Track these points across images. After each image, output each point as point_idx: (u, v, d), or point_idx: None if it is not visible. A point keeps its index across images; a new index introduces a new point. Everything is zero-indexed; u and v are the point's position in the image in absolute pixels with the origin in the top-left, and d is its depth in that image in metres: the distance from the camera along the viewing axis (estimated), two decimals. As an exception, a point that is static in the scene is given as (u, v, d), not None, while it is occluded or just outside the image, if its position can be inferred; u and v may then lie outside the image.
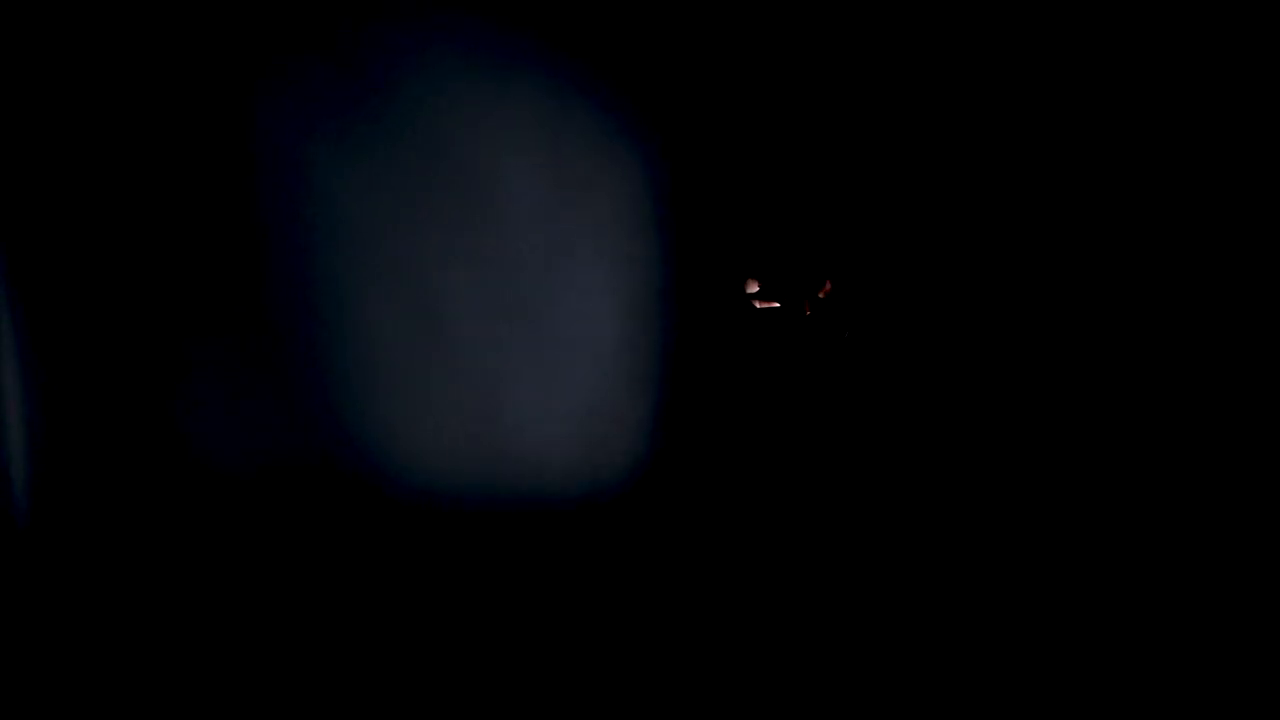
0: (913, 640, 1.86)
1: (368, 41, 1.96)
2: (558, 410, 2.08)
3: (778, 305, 1.67)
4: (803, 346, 1.73)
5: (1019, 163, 1.91)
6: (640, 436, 2.12)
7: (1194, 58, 1.74)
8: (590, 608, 2.02)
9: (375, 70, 1.97)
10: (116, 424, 1.89)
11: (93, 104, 1.88)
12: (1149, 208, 1.80)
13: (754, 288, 1.68)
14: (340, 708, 1.86)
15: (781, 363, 1.80)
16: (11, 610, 1.83)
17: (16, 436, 1.83)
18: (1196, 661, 1.69)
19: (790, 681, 1.85)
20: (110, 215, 1.88)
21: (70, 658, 1.84)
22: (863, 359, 1.72)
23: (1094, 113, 1.85)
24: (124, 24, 1.88)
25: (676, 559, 2.06)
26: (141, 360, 1.89)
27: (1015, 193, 1.91)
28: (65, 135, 1.87)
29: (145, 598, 1.89)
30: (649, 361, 2.13)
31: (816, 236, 2.03)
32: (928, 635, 1.86)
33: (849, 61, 2.04)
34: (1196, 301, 1.76)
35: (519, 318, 2.07)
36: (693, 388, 2.13)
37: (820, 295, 1.63)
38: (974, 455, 1.92)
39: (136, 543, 1.89)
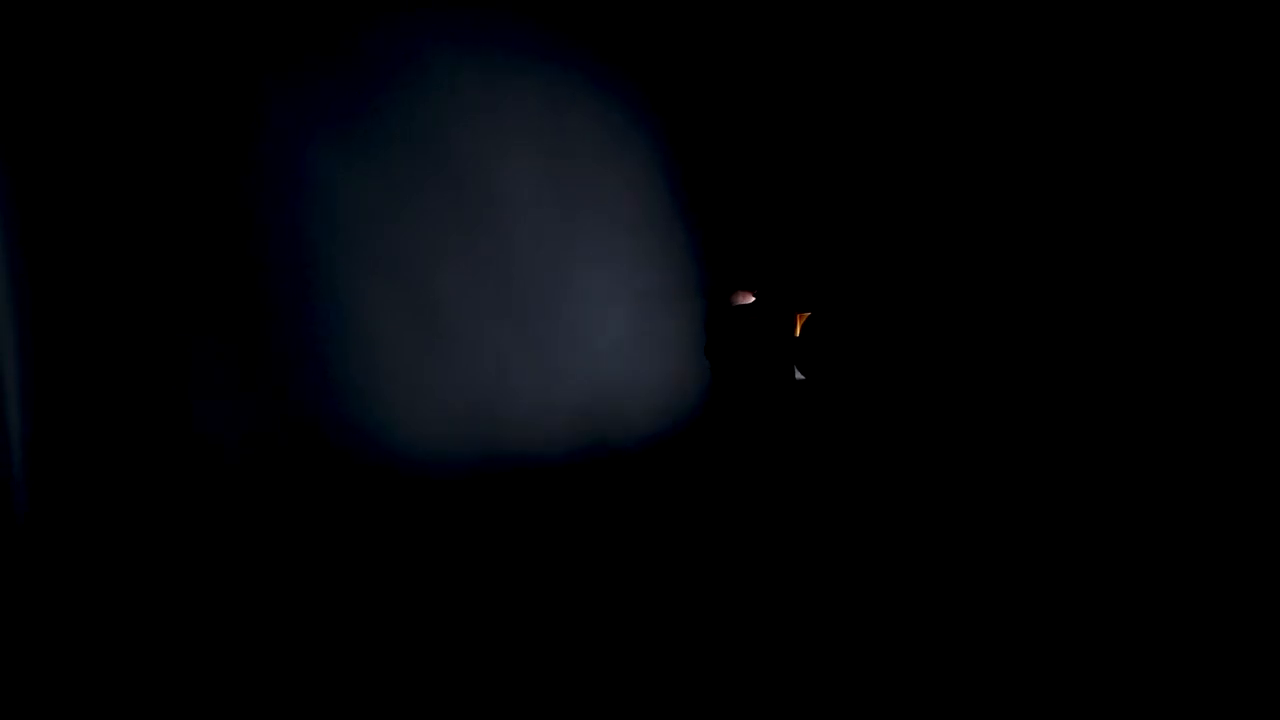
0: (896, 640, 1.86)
1: (369, 41, 1.98)
2: (557, 407, 2.09)
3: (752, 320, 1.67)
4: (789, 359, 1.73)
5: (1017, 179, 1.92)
6: (640, 432, 2.13)
7: (1186, 58, 1.75)
8: (596, 593, 2.02)
9: (376, 69, 1.99)
10: (121, 416, 1.91)
11: (95, 104, 1.90)
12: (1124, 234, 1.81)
13: (747, 299, 1.65)
14: (359, 686, 1.87)
15: (773, 370, 1.80)
16: (12, 598, 1.85)
17: (14, 425, 1.85)
18: (1195, 661, 1.68)
19: (785, 686, 1.85)
20: (114, 212, 1.91)
21: (71, 646, 1.86)
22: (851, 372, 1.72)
23: (1073, 137, 1.87)
24: (126, 25, 1.90)
25: (676, 557, 2.06)
26: (146, 354, 1.91)
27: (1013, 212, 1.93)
28: (69, 134, 1.89)
29: (147, 583, 1.90)
30: (650, 359, 2.14)
31: (819, 242, 2.04)
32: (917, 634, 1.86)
33: (855, 56, 2.05)
34: (1181, 309, 1.76)
35: (519, 315, 2.08)
36: (691, 385, 2.14)
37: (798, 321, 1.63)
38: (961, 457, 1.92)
39: (140, 531, 1.91)
